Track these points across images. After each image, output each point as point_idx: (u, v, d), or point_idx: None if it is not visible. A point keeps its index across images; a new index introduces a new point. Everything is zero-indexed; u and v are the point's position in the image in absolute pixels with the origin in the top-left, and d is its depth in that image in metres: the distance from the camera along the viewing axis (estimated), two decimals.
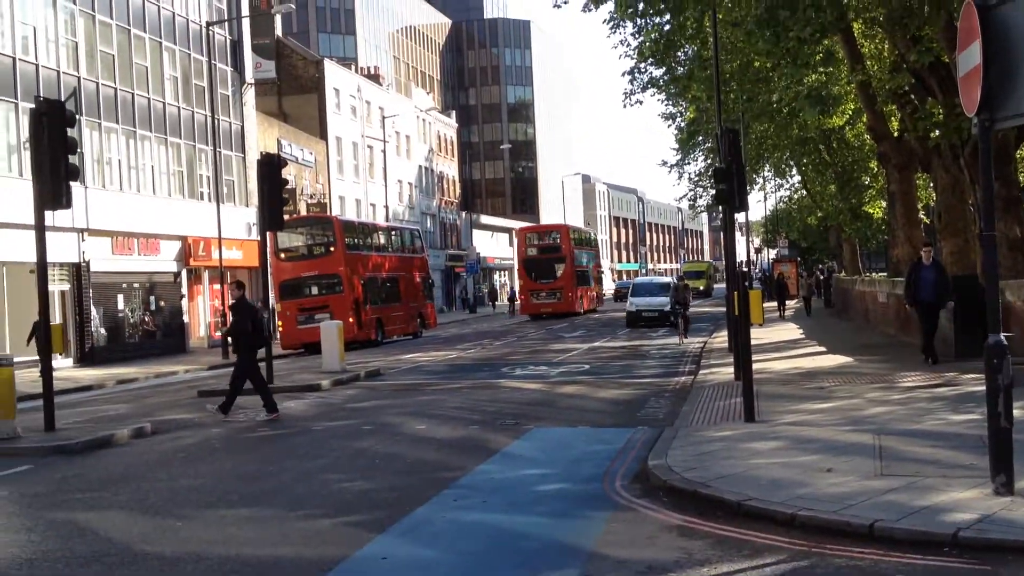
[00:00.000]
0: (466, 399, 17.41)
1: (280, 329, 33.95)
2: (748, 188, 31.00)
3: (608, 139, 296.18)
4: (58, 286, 30.70)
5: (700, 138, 39.23)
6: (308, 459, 11.83)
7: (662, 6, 22.76)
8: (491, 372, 22.35)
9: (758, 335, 24.02)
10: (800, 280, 51.49)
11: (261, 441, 13.64)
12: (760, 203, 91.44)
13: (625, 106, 29.40)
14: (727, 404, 14.18)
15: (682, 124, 39.09)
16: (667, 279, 44.21)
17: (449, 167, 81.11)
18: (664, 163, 48.28)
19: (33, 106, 14.91)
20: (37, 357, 19.03)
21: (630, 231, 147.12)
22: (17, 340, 28.06)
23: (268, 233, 25.32)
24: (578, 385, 19.17)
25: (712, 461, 9.89)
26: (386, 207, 58.48)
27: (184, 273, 38.22)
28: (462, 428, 13.86)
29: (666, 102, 36.53)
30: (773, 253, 75.13)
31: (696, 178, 47.89)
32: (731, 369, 17.71)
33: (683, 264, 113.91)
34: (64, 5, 31.96)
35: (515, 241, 65.31)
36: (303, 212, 46.50)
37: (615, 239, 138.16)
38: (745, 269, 37.59)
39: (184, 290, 38.27)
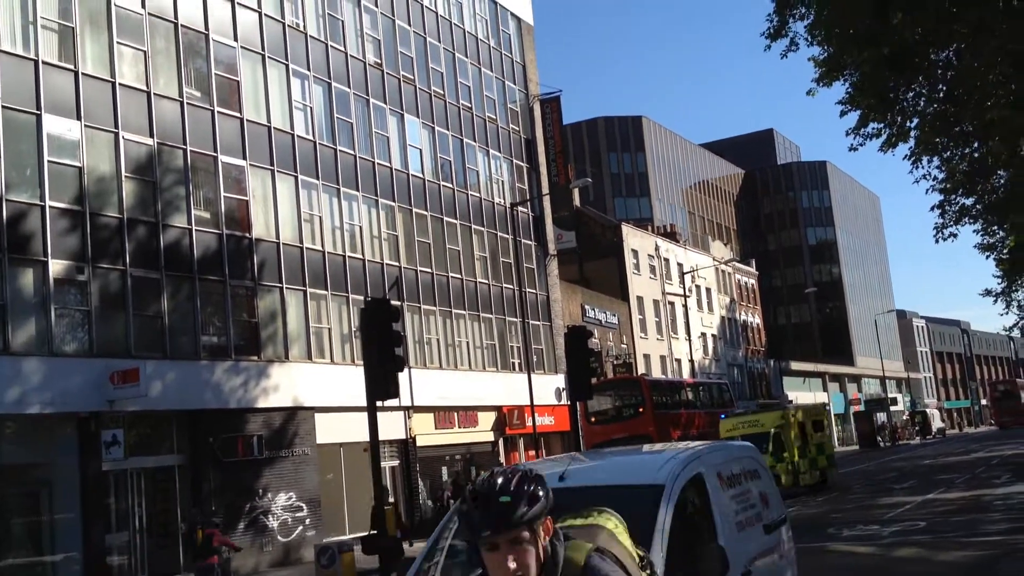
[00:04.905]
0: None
1: None
2: None
3: (922, 271, 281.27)
4: (388, 462, 32.63)
5: None
6: None
7: (969, 136, 21.82)
8: (814, 534, 21.10)
9: None
10: None
11: None
12: None
13: (937, 241, 27.81)
14: None
15: (1003, 254, 36.46)
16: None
17: (753, 315, 79.89)
18: (988, 292, 44.67)
19: (362, 299, 16.35)
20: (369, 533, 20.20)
21: (956, 366, 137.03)
22: (356, 518, 29.96)
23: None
24: (914, 547, 17.70)
25: None
26: (691, 361, 58.17)
27: (501, 442, 39.58)
28: None
29: (981, 233, 34.21)
30: None
31: None
32: None
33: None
34: (385, 203, 35.15)
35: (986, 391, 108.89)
36: (609, 374, 47.17)
37: (940, 375, 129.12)
38: None
39: (501, 458, 39.52)
